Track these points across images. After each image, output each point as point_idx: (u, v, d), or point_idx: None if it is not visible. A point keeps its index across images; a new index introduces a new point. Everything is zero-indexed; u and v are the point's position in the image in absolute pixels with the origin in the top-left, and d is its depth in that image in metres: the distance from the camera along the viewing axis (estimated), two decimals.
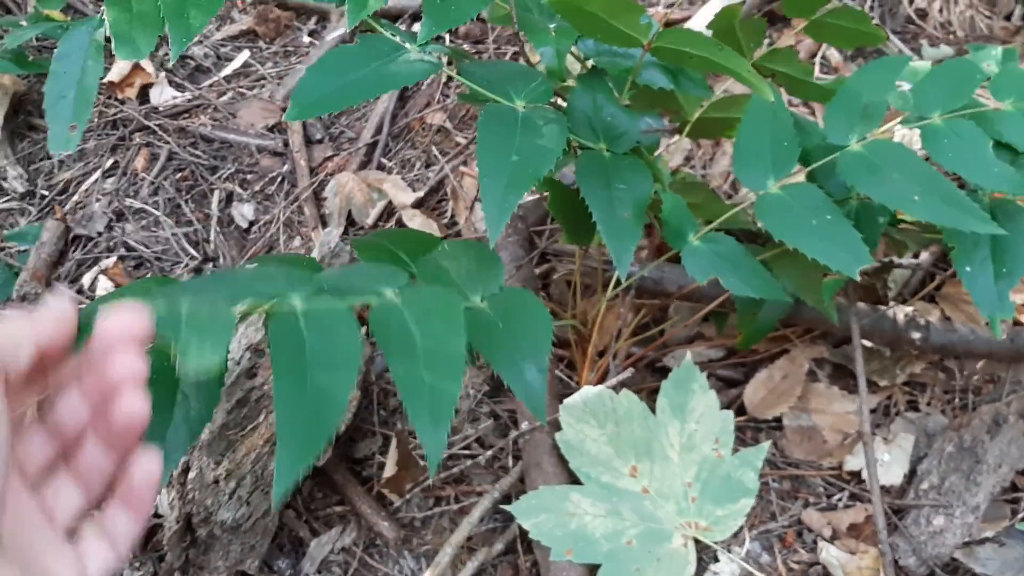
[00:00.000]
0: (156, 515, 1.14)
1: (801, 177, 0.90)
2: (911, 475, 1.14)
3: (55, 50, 0.75)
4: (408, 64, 0.76)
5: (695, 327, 1.29)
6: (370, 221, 1.48)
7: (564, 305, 1.27)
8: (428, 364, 0.59)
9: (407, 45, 0.80)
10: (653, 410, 1.09)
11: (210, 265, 1.47)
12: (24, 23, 1.65)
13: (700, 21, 1.56)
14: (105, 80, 1.70)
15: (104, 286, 1.44)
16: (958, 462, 1.12)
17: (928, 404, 1.22)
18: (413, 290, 0.67)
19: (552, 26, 0.93)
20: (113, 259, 1.47)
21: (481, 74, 0.83)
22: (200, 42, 1.80)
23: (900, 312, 1.19)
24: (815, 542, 1.10)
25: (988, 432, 1.13)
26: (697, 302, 1.21)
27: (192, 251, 1.48)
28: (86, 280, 1.46)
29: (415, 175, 1.55)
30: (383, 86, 0.75)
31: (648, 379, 1.24)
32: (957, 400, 1.21)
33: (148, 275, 1.46)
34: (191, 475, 1.10)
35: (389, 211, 1.49)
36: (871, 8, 1.62)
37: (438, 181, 1.52)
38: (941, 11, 1.62)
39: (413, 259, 0.84)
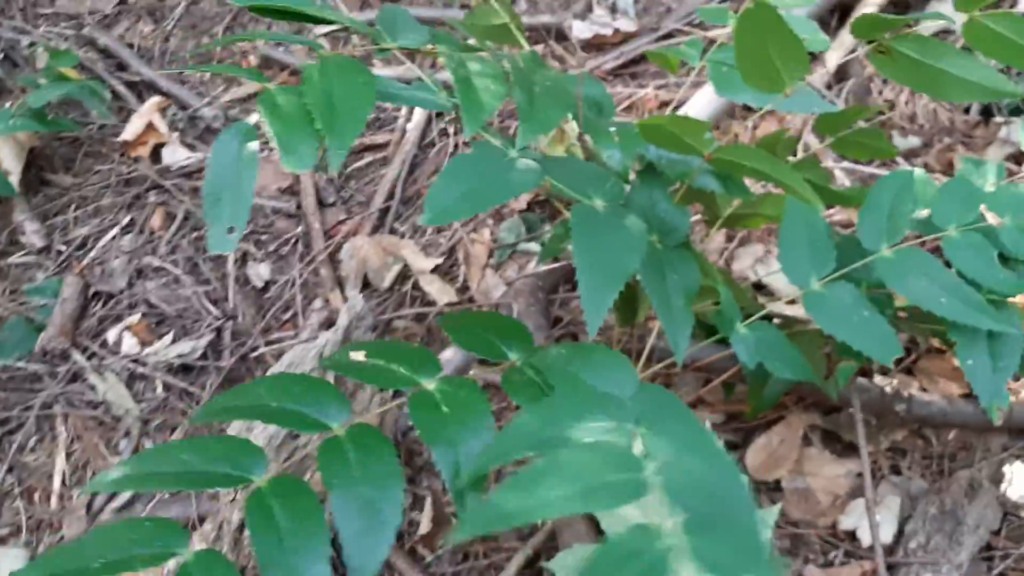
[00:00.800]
0: None
1: None
2: (899, 535, 1.27)
3: (208, 155, 0.82)
4: (520, 173, 0.85)
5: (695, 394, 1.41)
6: (386, 284, 1.56)
7: None
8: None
9: (510, 152, 0.88)
10: None
11: (230, 323, 1.52)
12: (42, 81, 1.69)
13: (694, 107, 1.70)
14: (119, 139, 1.75)
15: (128, 343, 1.48)
16: (941, 523, 1.25)
17: (909, 468, 1.35)
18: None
19: (612, 130, 1.04)
20: (137, 316, 1.52)
21: (561, 174, 0.93)
22: (210, 103, 1.87)
23: (887, 385, 1.33)
24: None
25: (966, 496, 1.27)
26: (707, 372, 1.33)
27: (213, 309, 1.53)
28: (111, 336, 1.50)
29: (427, 240, 1.63)
30: (503, 195, 0.84)
31: None
32: (935, 465, 1.35)
33: (171, 333, 1.50)
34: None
35: (404, 274, 1.58)
36: (845, 99, 1.79)
37: (449, 247, 1.61)
38: (907, 103, 1.79)
39: (507, 344, 0.92)
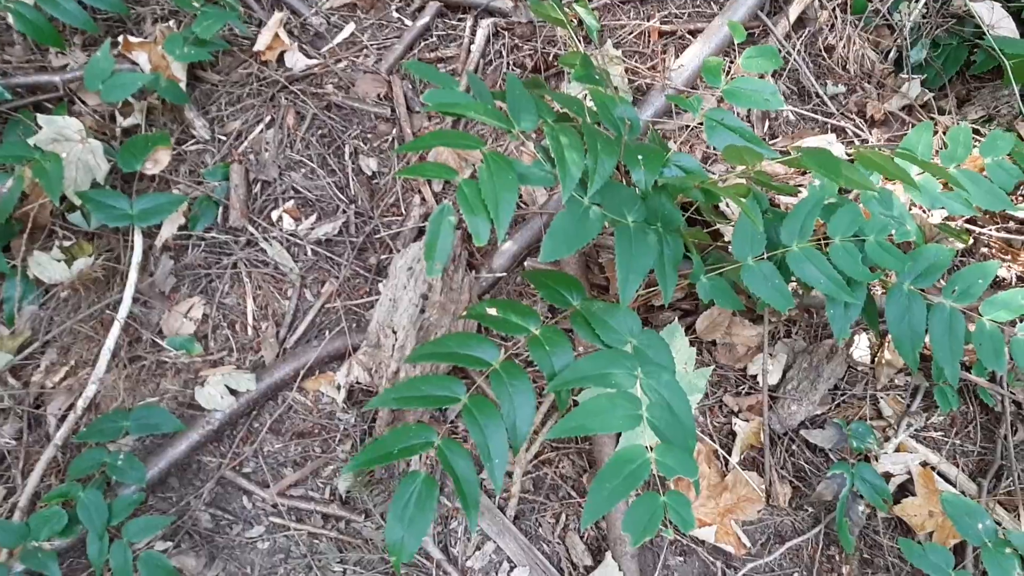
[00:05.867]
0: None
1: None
2: (783, 378, 2.07)
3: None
4: (594, 221, 1.51)
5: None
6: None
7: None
8: None
9: (584, 199, 1.54)
10: None
11: (352, 206, 2.18)
12: (195, 3, 2.20)
13: (696, 45, 2.28)
14: (254, 49, 2.29)
15: (286, 221, 2.15)
16: (808, 373, 2.06)
17: (796, 334, 2.14)
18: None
19: (640, 157, 1.69)
20: (290, 203, 2.17)
21: (610, 200, 1.60)
22: (316, 13, 2.39)
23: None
24: (729, 413, 2.04)
25: (826, 357, 2.07)
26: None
27: (341, 196, 2.19)
28: (273, 215, 2.16)
29: (488, 148, 2.26)
30: (584, 238, 1.51)
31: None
32: (812, 333, 2.14)
33: (314, 214, 2.17)
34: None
35: (473, 175, 2.22)
36: (794, 44, 2.38)
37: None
38: (844, 48, 2.39)
39: (570, 295, 1.64)
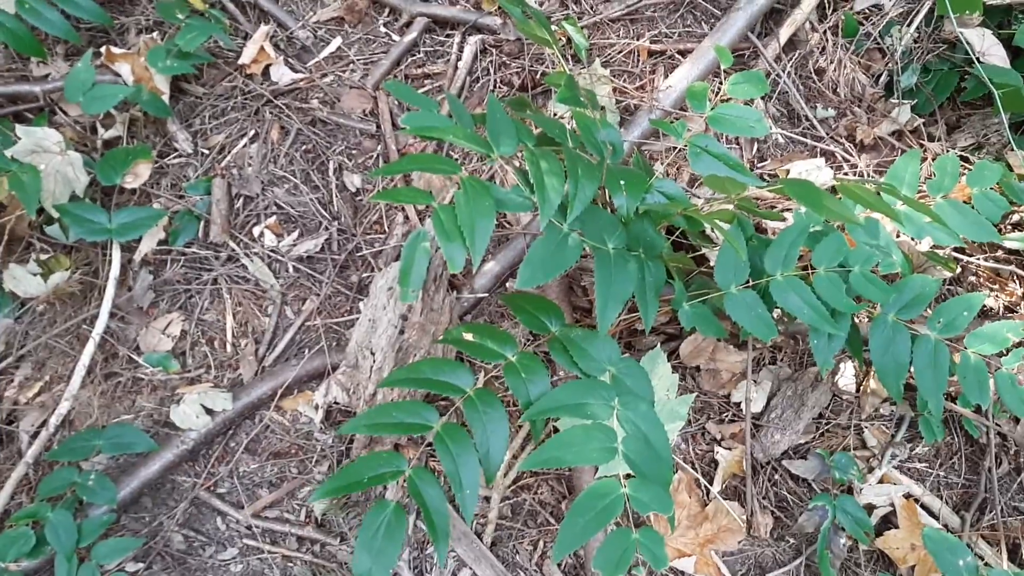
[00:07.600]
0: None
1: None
2: (767, 406, 2.05)
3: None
4: (572, 248, 1.49)
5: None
6: (447, 200, 2.19)
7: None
8: None
9: (563, 226, 1.51)
10: None
11: (335, 223, 2.16)
12: (180, 15, 2.18)
13: (684, 67, 2.26)
14: (239, 62, 2.27)
15: (268, 237, 2.12)
16: (793, 401, 2.03)
17: (782, 360, 2.11)
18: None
19: (623, 183, 1.66)
20: (272, 219, 2.14)
21: (590, 226, 1.57)
22: (303, 26, 2.37)
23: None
24: (711, 441, 2.01)
25: (811, 385, 2.05)
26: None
27: (324, 212, 2.16)
28: (255, 231, 2.13)
29: (473, 167, 2.24)
30: (562, 265, 1.48)
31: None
32: (798, 360, 2.11)
33: (296, 230, 2.14)
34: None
35: None
36: (784, 67, 2.36)
37: (490, 175, 2.23)
38: (834, 72, 2.38)
39: (549, 320, 1.61)
